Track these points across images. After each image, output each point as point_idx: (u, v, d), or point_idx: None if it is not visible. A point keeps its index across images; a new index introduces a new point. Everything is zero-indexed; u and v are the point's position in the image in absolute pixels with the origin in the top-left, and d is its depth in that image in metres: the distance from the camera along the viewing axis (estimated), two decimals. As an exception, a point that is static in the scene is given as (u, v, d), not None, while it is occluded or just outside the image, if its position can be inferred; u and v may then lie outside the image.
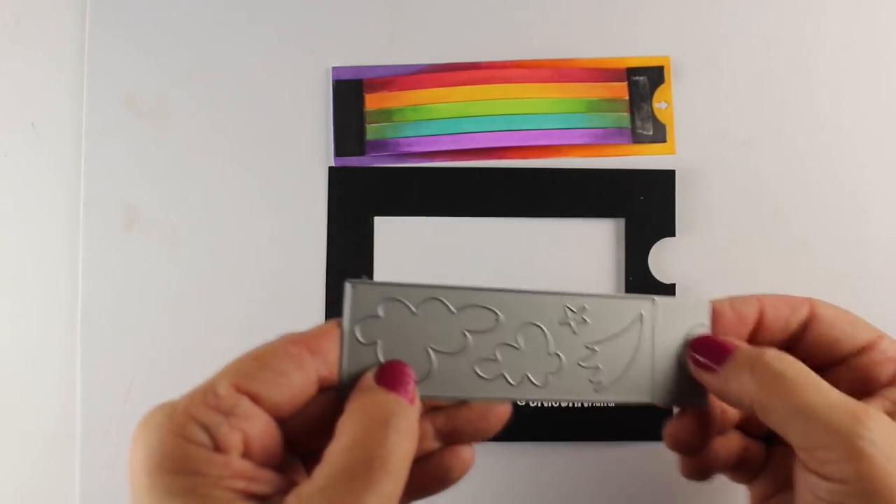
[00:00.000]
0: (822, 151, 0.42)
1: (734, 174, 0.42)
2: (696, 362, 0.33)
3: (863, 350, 0.33)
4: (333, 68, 0.42)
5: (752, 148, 0.42)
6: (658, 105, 0.42)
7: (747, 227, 0.42)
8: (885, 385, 0.33)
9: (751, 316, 0.33)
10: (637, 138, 0.42)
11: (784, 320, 0.34)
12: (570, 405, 0.41)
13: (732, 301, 0.34)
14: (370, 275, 0.42)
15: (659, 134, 0.42)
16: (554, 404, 0.41)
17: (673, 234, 0.42)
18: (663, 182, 0.42)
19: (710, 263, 0.42)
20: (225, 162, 0.42)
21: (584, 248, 0.42)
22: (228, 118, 0.42)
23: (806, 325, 0.34)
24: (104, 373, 0.41)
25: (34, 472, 0.42)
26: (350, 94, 0.42)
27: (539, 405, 0.41)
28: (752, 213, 0.42)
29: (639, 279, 0.42)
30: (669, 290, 0.42)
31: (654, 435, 0.41)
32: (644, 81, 0.42)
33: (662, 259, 0.42)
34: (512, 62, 0.42)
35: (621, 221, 0.42)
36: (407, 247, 0.42)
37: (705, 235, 0.42)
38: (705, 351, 0.33)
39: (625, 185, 0.42)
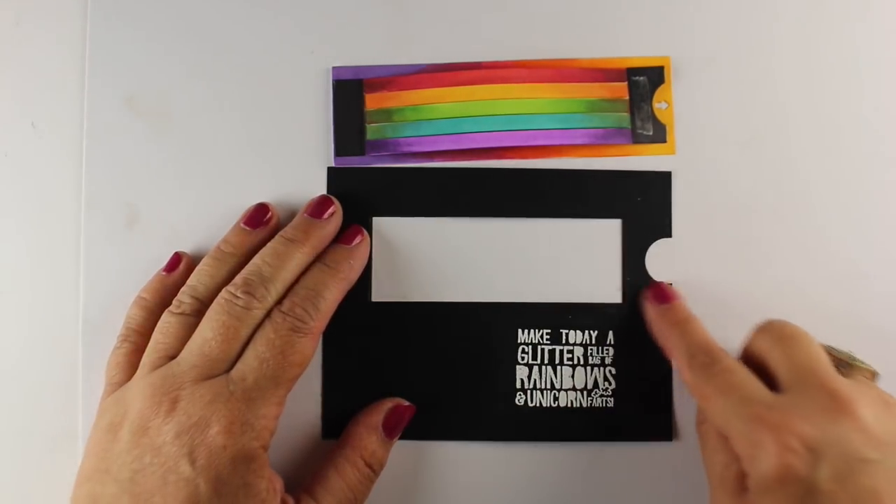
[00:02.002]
0: (822, 151, 0.42)
1: (734, 174, 0.42)
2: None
3: None
4: (333, 68, 0.42)
5: (752, 148, 0.42)
6: (658, 105, 0.42)
7: (746, 227, 0.42)
8: None
9: None
10: (637, 138, 0.42)
11: None
12: (570, 404, 0.41)
13: None
14: (368, 278, 0.42)
15: (659, 134, 0.42)
16: (552, 404, 0.41)
17: (670, 235, 0.42)
18: (660, 183, 0.42)
19: (707, 264, 0.42)
20: (225, 161, 0.42)
21: (582, 249, 0.42)
22: (229, 118, 0.42)
23: None
24: (105, 372, 0.40)
25: (35, 473, 0.42)
26: (350, 94, 0.42)
27: (538, 405, 0.41)
28: (752, 213, 0.42)
29: (636, 280, 0.42)
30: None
31: (651, 435, 0.41)
32: (644, 81, 0.42)
33: (660, 259, 0.42)
34: (512, 62, 0.42)
35: (618, 222, 0.42)
36: (406, 247, 0.42)
37: (703, 235, 0.42)
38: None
39: (622, 187, 0.42)
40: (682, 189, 0.42)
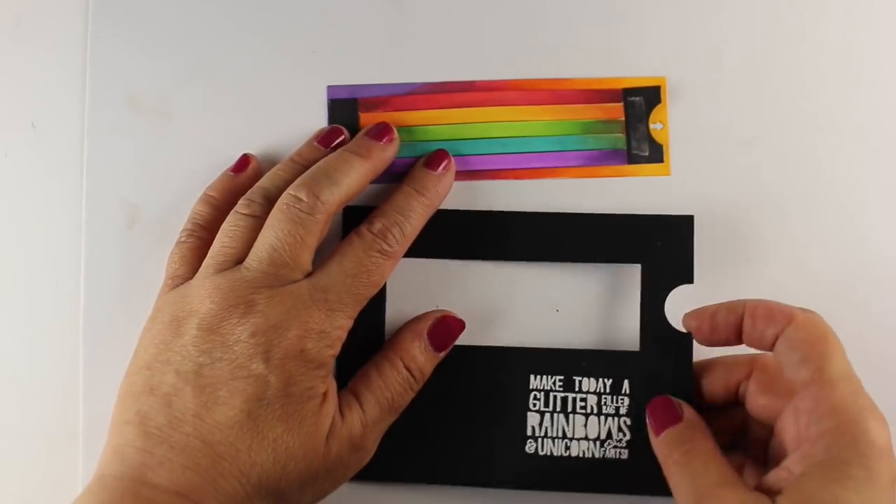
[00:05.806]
0: (820, 170, 0.42)
1: (730, 194, 0.42)
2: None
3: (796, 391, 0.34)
4: (328, 87, 0.42)
5: (749, 167, 0.42)
6: (654, 125, 0.42)
7: (743, 245, 0.42)
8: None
9: (726, 325, 0.36)
10: (633, 159, 0.42)
11: (760, 332, 0.35)
12: (582, 454, 0.40)
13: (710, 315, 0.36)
14: (381, 320, 0.41)
15: (655, 154, 0.42)
16: (563, 453, 0.40)
17: (691, 281, 0.40)
18: (682, 227, 0.40)
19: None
20: (226, 162, 0.42)
21: (599, 294, 0.42)
22: (229, 118, 0.43)
23: (776, 341, 0.35)
24: (106, 372, 0.41)
25: (36, 472, 0.43)
26: (345, 113, 0.42)
27: (549, 453, 0.40)
28: (749, 232, 0.42)
29: (655, 327, 0.40)
30: (686, 338, 0.39)
31: (664, 489, 0.37)
32: (640, 102, 0.42)
33: (680, 306, 0.40)
34: (506, 82, 0.42)
35: (637, 267, 0.40)
36: (420, 290, 0.42)
37: (719, 279, 0.41)
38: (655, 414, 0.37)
39: (642, 231, 0.40)
40: (677, 210, 0.41)
